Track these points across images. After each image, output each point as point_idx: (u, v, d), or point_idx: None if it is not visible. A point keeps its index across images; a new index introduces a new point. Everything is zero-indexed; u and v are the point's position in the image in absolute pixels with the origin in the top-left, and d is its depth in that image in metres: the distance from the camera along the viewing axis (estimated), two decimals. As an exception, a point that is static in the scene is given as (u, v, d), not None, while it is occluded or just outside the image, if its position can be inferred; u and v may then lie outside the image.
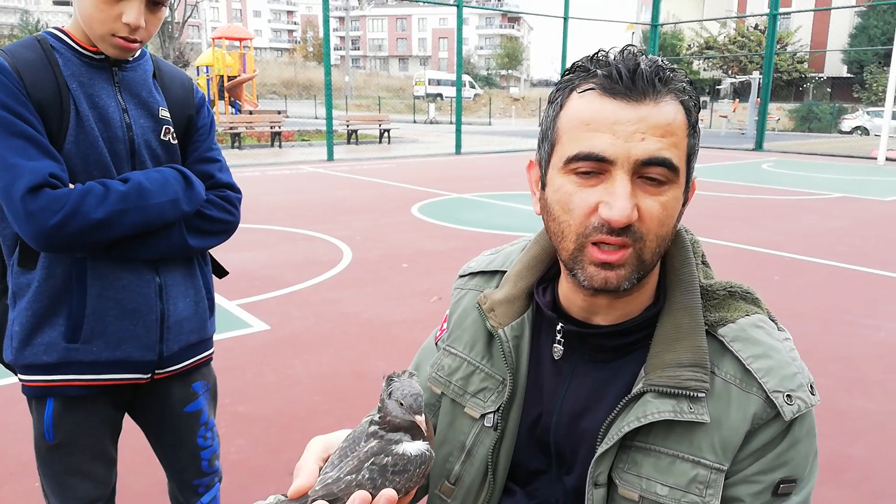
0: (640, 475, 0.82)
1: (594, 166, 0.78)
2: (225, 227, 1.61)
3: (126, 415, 1.70)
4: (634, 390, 0.83)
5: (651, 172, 0.77)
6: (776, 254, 6.79)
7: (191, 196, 1.50)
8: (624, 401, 0.83)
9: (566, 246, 0.82)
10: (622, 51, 0.80)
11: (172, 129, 1.55)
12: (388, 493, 0.67)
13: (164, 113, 1.53)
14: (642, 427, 0.81)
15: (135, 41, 1.41)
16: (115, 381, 1.50)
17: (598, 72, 0.78)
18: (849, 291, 5.56)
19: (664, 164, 0.77)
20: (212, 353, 1.73)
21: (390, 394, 0.69)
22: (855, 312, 4.97)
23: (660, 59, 0.80)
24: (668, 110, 0.77)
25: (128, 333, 1.48)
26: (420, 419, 0.67)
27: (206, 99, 1.69)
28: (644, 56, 0.80)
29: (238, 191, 1.66)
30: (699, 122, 0.83)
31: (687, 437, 0.81)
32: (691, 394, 0.80)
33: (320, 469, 0.72)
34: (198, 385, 1.69)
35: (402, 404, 0.67)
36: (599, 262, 0.79)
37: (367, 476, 0.67)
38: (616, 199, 0.76)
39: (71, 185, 1.37)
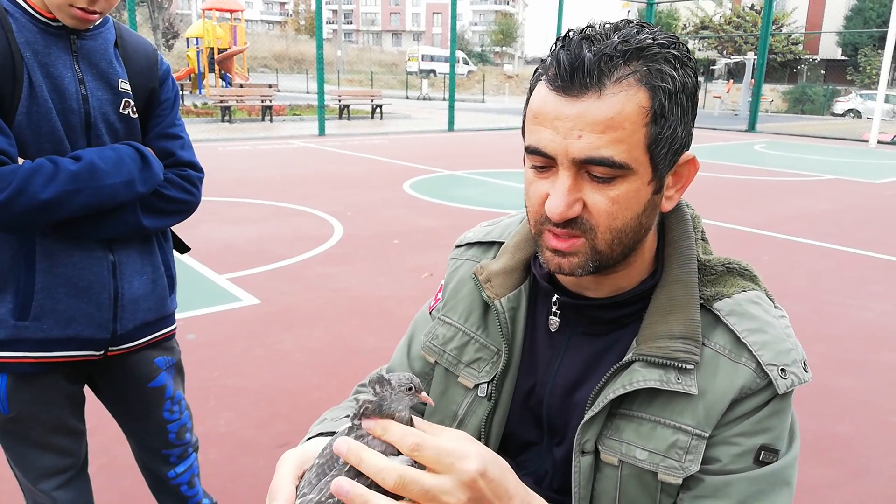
0: (620, 440, 0.82)
1: (543, 160, 0.78)
2: (183, 207, 1.55)
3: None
4: (624, 360, 0.83)
5: (593, 171, 0.76)
6: (766, 234, 6.81)
7: (147, 177, 1.44)
8: (612, 369, 0.83)
9: (531, 228, 0.84)
10: (577, 35, 0.75)
11: (132, 103, 1.48)
12: None
13: (125, 85, 1.46)
14: (628, 395, 0.82)
15: (94, 13, 1.35)
16: (66, 359, 1.47)
17: (549, 61, 0.77)
18: (837, 272, 5.59)
19: (603, 163, 0.74)
20: (173, 329, 1.68)
21: (384, 389, 0.63)
22: (843, 293, 5.00)
23: (627, 37, 0.74)
24: (614, 102, 0.72)
25: (78, 311, 1.43)
26: (424, 395, 0.64)
27: (186, 71, 1.62)
28: (603, 38, 0.74)
29: (200, 169, 1.59)
30: (678, 100, 0.76)
31: (670, 404, 0.81)
32: (680, 365, 0.80)
33: (297, 488, 0.67)
34: (160, 360, 1.65)
35: (411, 388, 0.63)
36: (552, 248, 0.81)
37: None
38: (553, 196, 0.77)
39: (20, 161, 1.31)
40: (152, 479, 1.80)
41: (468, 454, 0.62)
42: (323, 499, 0.61)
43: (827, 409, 3.22)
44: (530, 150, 0.79)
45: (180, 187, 1.53)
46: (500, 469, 0.66)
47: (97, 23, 1.43)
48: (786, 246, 6.42)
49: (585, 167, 0.75)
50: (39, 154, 1.34)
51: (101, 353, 1.51)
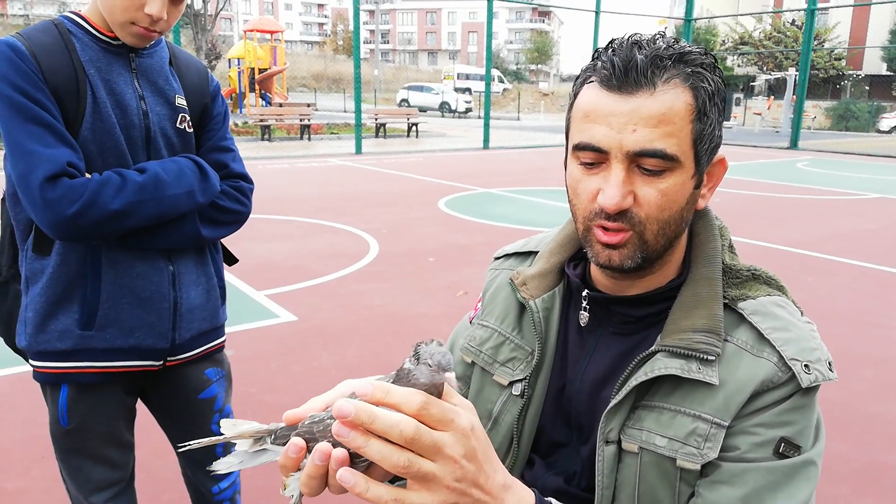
0: (641, 429, 0.84)
1: (593, 156, 0.82)
2: (237, 218, 1.61)
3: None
4: (648, 351, 0.85)
5: (645, 163, 0.80)
6: (809, 254, 6.65)
7: (206, 188, 1.50)
8: (637, 359, 0.85)
9: (578, 226, 0.89)
10: (626, 40, 0.82)
11: (188, 118, 1.54)
12: (324, 447, 0.62)
13: (181, 101, 1.52)
14: (651, 387, 0.84)
15: (154, 31, 1.40)
16: (128, 369, 1.51)
17: (599, 64, 0.82)
18: (884, 294, 5.42)
19: (656, 154, 0.79)
20: (224, 340, 1.72)
21: (417, 359, 0.64)
22: (890, 315, 4.84)
23: (670, 43, 0.81)
24: (665, 99, 0.79)
25: (141, 321, 1.48)
26: (450, 376, 0.63)
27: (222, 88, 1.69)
28: (650, 44, 0.80)
29: (250, 181, 1.65)
30: (715, 102, 0.82)
31: (690, 394, 0.82)
32: (702, 356, 0.82)
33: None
34: (210, 372, 1.69)
35: (429, 365, 0.63)
36: (603, 242, 0.84)
37: None
38: (608, 188, 0.81)
39: (87, 175, 1.36)
40: (196, 495, 1.82)
41: (461, 412, 0.64)
42: (325, 417, 0.64)
43: (874, 437, 3.11)
44: (582, 147, 0.82)
45: (234, 198, 1.59)
46: (484, 431, 0.67)
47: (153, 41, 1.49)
48: (830, 266, 6.25)
49: (637, 160, 0.80)
50: (104, 167, 1.40)
51: (161, 363, 1.55)
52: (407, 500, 0.61)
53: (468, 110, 36.45)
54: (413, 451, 0.60)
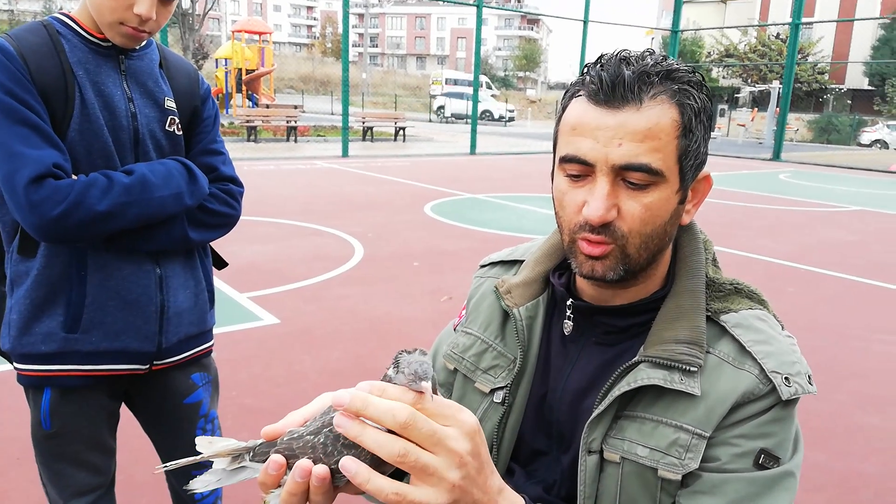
0: (623, 439, 0.85)
1: (580, 169, 0.83)
2: (226, 221, 1.59)
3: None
4: (631, 361, 0.86)
5: (630, 177, 0.81)
6: (791, 265, 6.72)
7: (194, 190, 1.48)
8: (620, 370, 0.86)
9: (563, 237, 0.89)
10: (615, 56, 0.83)
11: (178, 120, 1.52)
12: (305, 464, 0.61)
13: (170, 103, 1.51)
14: (633, 397, 0.85)
15: (143, 31, 1.39)
16: (113, 372, 1.49)
17: (587, 78, 0.84)
18: (865, 306, 5.48)
19: (641, 168, 0.80)
20: (211, 345, 1.70)
21: (397, 368, 0.64)
22: (871, 327, 4.90)
23: (658, 60, 0.82)
24: (651, 115, 0.80)
25: (127, 324, 1.46)
26: (426, 385, 0.62)
27: (221, 91, 1.67)
28: (638, 60, 0.81)
29: (240, 184, 1.64)
30: (701, 119, 0.83)
31: (672, 405, 0.83)
32: (684, 367, 0.83)
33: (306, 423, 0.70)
34: (196, 377, 1.67)
35: (406, 374, 0.63)
36: (586, 254, 0.85)
37: (321, 440, 0.64)
38: (593, 200, 0.82)
39: (74, 176, 1.35)
40: (177, 500, 1.80)
41: (465, 409, 0.64)
42: (305, 434, 0.65)
43: (854, 447, 3.14)
44: (568, 159, 0.83)
45: (223, 201, 1.57)
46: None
47: (142, 43, 1.48)
48: (811, 278, 6.32)
49: (623, 174, 0.81)
50: (91, 169, 1.38)
51: (147, 367, 1.53)
52: (409, 495, 0.60)
53: (511, 119, 35.90)
54: (412, 441, 0.59)
